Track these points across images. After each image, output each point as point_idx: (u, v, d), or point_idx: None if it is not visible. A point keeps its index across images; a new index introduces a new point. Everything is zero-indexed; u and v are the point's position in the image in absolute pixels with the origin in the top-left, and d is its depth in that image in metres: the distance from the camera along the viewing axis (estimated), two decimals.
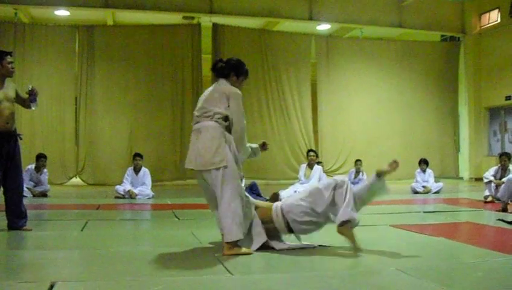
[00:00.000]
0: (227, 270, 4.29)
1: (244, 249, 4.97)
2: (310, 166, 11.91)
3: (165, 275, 4.16)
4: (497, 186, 10.20)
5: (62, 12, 16.54)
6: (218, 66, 5.36)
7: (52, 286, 3.70)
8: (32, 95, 6.49)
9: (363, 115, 18.64)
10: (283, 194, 11.12)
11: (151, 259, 4.79)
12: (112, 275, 4.18)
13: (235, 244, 4.96)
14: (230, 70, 5.32)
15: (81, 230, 6.58)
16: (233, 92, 5.16)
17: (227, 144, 5.02)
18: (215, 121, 5.04)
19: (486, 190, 10.68)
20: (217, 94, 5.16)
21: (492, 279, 4.17)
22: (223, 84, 5.23)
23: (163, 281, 3.94)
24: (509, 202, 8.82)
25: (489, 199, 10.44)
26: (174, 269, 4.40)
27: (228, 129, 5.11)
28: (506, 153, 11.34)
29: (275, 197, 5.78)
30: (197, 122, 5.18)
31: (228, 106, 5.10)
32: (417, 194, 13.04)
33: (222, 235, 5.07)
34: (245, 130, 5.18)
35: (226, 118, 5.08)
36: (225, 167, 4.92)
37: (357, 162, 13.99)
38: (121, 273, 4.25)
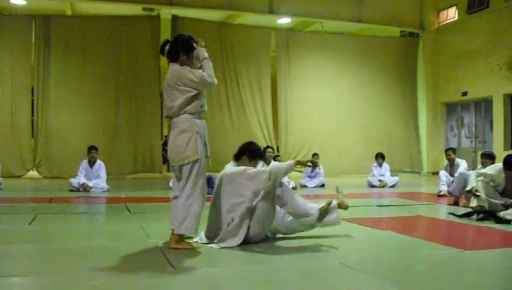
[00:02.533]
0: (171, 264, 4.25)
1: (190, 244, 4.93)
2: (267, 162, 11.87)
3: (107, 269, 4.09)
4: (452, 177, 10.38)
5: (19, 1, 16.19)
6: (167, 49, 5.08)
7: None
8: None
9: (323, 109, 18.73)
10: None
11: (95, 253, 4.74)
12: (52, 270, 4.11)
13: (182, 238, 4.92)
14: (179, 50, 5.01)
15: (29, 224, 6.44)
16: (177, 74, 4.91)
17: (199, 134, 4.89)
18: (182, 114, 4.89)
19: (441, 185, 10.85)
20: (167, 88, 4.95)
21: (434, 272, 4.22)
22: (169, 74, 4.97)
23: (104, 275, 3.90)
24: (461, 196, 8.96)
25: (443, 192, 10.59)
26: (118, 263, 4.34)
27: (198, 114, 4.96)
28: (450, 148, 11.58)
29: None
30: (169, 120, 5.03)
31: (178, 85, 4.87)
32: (373, 188, 13.17)
33: (172, 229, 5.01)
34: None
35: (191, 100, 4.90)
36: (196, 161, 4.83)
37: (314, 155, 14.03)
38: (61, 268, 4.17)
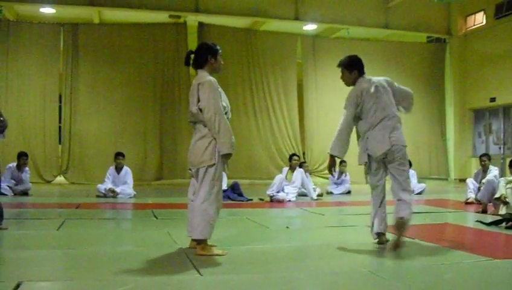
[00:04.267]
0: (197, 270, 4.27)
1: (217, 251, 4.95)
2: (292, 170, 11.86)
3: (134, 275, 4.13)
4: (479, 188, 10.24)
5: (47, 10, 16.40)
6: (193, 59, 5.16)
7: (18, 285, 3.67)
8: (1, 127, 6.13)
9: None
10: (280, 195, 11.06)
11: (123, 259, 4.77)
12: (80, 275, 4.15)
13: (207, 244, 4.94)
14: (206, 55, 5.10)
15: (57, 229, 6.52)
16: (202, 81, 4.95)
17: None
18: (200, 122, 4.97)
19: (468, 192, 10.73)
20: (191, 93, 5.06)
21: (462, 280, 4.18)
22: (196, 80, 5.05)
23: (131, 281, 3.93)
24: (489, 203, 8.87)
25: (470, 200, 10.49)
26: (145, 269, 4.37)
27: None
28: (486, 154, 11.40)
29: None
30: (193, 124, 5.11)
31: (199, 100, 4.94)
32: None
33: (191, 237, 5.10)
34: (220, 118, 4.84)
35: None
36: (211, 165, 4.87)
37: (342, 163, 13.91)
38: (89, 273, 4.22)
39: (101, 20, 17.42)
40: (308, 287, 4.00)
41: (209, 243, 4.99)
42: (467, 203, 10.47)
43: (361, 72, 5.80)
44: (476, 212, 8.92)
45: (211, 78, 4.99)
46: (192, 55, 5.18)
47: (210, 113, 4.84)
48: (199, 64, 5.12)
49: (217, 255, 4.87)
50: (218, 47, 5.19)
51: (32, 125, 15.90)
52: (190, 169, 5.10)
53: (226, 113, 5.02)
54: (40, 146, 15.90)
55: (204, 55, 5.10)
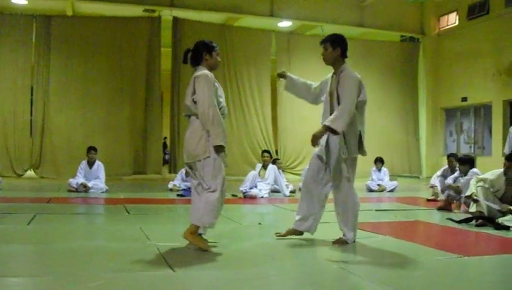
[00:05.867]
0: (169, 266, 4.25)
1: (202, 243, 4.97)
2: (265, 167, 11.89)
3: (105, 271, 4.09)
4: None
5: (19, 1, 16.16)
6: (190, 56, 5.23)
7: None
8: None
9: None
10: (252, 191, 11.07)
11: (94, 254, 4.74)
12: (50, 271, 4.10)
13: (196, 231, 4.97)
14: (201, 52, 5.16)
15: (28, 224, 6.44)
16: (197, 75, 5.00)
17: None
18: (194, 115, 5.02)
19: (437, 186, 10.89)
20: (188, 86, 5.10)
21: (432, 278, 4.22)
22: (194, 74, 5.07)
23: (102, 277, 3.88)
24: (453, 201, 9.03)
25: (432, 197, 10.69)
26: (116, 265, 4.34)
27: None
28: (453, 153, 11.66)
29: None
30: (188, 118, 5.16)
31: (194, 93, 4.98)
32: (372, 193, 13.17)
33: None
34: (214, 111, 4.87)
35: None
36: (208, 157, 4.91)
37: None
38: (60, 269, 4.16)
39: (75, 12, 17.19)
40: (279, 284, 4.01)
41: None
42: (428, 200, 10.68)
43: (344, 53, 5.61)
44: (438, 208, 9.11)
45: (208, 72, 5.03)
46: (190, 54, 5.24)
47: (204, 106, 4.88)
48: (195, 61, 5.19)
49: (201, 248, 4.90)
50: (214, 44, 5.25)
51: (4, 119, 15.63)
52: (187, 163, 5.13)
53: (221, 108, 5.07)
54: (10, 140, 15.66)
55: (199, 52, 5.17)
